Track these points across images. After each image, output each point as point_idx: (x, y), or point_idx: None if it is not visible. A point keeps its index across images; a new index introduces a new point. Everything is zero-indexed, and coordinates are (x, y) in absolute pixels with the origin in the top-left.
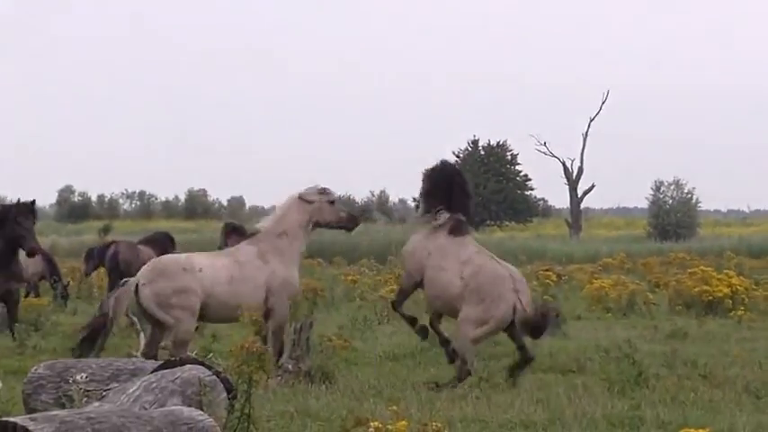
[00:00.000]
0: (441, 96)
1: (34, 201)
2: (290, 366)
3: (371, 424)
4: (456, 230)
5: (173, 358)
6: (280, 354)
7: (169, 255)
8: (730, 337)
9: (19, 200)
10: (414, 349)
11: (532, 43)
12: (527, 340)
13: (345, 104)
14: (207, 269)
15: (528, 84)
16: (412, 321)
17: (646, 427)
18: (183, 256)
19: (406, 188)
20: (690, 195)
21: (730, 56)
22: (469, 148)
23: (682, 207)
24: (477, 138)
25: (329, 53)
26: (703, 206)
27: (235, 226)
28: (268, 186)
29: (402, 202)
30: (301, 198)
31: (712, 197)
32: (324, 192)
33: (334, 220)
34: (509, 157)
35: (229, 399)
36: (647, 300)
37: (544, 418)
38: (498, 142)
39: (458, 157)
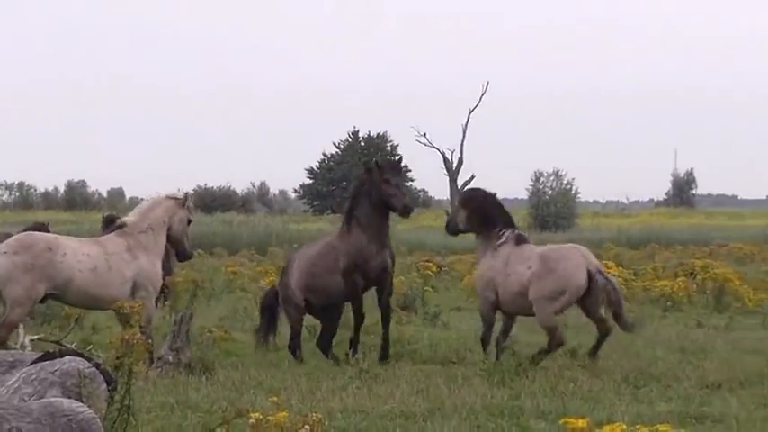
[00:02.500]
0: (321, 88)
1: (401, 158)
2: (170, 358)
3: (252, 415)
4: (521, 240)
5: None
6: (150, 348)
7: (41, 233)
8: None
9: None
10: None
11: (414, 35)
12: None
13: (225, 96)
14: (72, 255)
15: (408, 75)
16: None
17: (525, 417)
18: (53, 236)
19: (287, 180)
20: (569, 186)
21: (609, 52)
22: (350, 140)
23: (561, 198)
24: (357, 129)
25: (206, 44)
26: (582, 197)
27: (114, 218)
28: (148, 178)
29: (282, 193)
30: (168, 198)
31: (591, 188)
32: (189, 208)
33: (179, 235)
34: (389, 149)
35: (109, 390)
36: None
37: (424, 408)
38: (378, 133)
39: (338, 148)
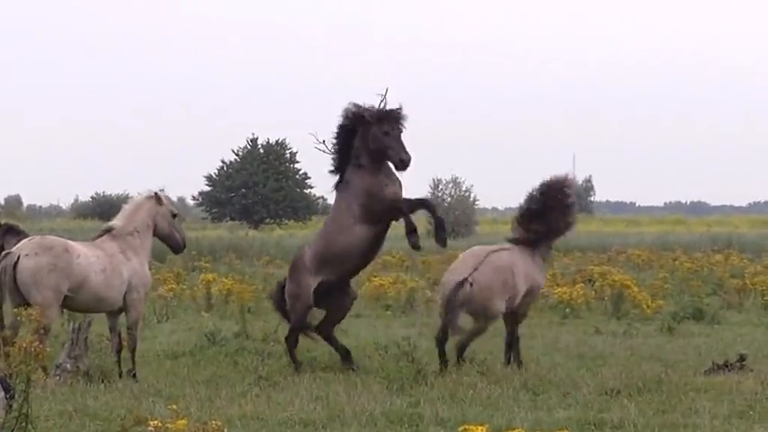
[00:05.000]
0: (219, 95)
1: (401, 108)
2: (68, 366)
3: (151, 423)
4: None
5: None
6: (134, 348)
7: (52, 236)
8: None
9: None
10: (193, 348)
11: (309, 41)
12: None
13: (122, 104)
14: (84, 257)
15: (307, 81)
16: None
17: (424, 424)
18: (63, 239)
19: (185, 187)
20: (468, 193)
21: (506, 58)
22: (249, 147)
23: (460, 205)
24: (256, 136)
25: (103, 46)
26: (481, 204)
27: (11, 225)
28: (46, 185)
29: (180, 200)
30: (153, 198)
31: (490, 195)
32: (171, 202)
33: (167, 232)
34: (288, 156)
35: (7, 398)
36: (426, 298)
37: (324, 415)
38: (278, 140)
39: (237, 155)
